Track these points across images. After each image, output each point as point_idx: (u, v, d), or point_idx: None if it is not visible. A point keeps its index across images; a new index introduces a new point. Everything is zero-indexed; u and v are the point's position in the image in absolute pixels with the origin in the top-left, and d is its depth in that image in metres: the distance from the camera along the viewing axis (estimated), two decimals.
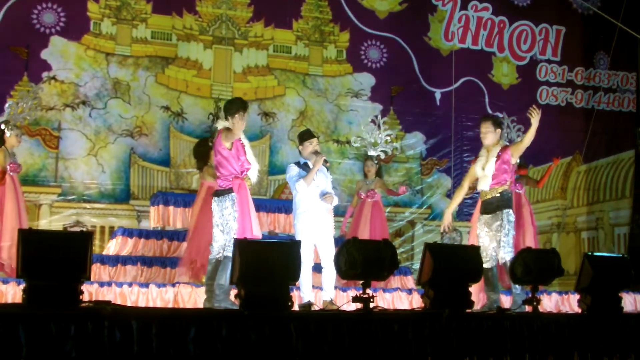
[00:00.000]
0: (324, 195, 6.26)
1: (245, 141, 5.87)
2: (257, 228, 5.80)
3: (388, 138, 8.75)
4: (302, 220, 6.21)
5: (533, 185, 8.79)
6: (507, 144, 6.30)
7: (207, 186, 7.43)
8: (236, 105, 5.79)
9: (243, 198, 5.74)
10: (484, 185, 6.23)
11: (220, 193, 5.76)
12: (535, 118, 6.00)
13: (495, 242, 6.14)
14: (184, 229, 8.30)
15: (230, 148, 5.72)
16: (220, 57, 10.16)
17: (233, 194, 5.71)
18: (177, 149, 9.85)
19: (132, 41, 9.82)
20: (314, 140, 6.35)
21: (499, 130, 6.26)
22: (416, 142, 10.92)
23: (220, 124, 5.83)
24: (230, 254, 5.54)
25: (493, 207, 6.18)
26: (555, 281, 6.34)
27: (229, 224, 5.69)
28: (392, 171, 10.67)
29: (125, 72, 9.74)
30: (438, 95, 11.01)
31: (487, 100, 11.17)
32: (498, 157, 6.16)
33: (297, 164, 6.34)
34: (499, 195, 6.16)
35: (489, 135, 6.25)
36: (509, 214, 6.13)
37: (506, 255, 6.08)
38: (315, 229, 6.20)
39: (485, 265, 6.03)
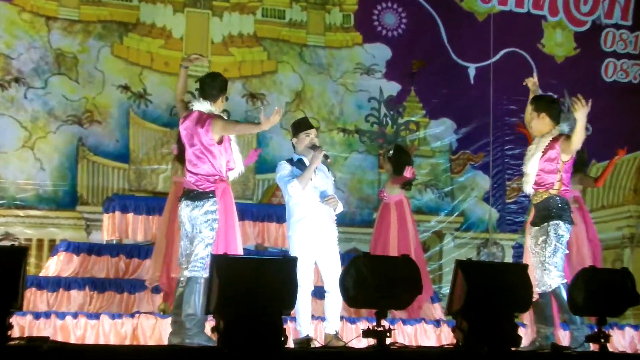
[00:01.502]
0: (325, 197, 6.24)
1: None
2: (240, 245, 5.86)
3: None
4: (299, 230, 6.21)
5: (590, 185, 8.69)
6: (565, 133, 6.19)
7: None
8: (219, 85, 5.90)
9: (228, 206, 5.79)
10: (526, 188, 6.26)
11: (196, 196, 5.75)
12: (579, 112, 5.94)
13: (539, 264, 6.10)
14: (147, 242, 8.32)
15: (220, 142, 5.77)
16: (194, 24, 10.17)
17: (214, 198, 5.74)
18: (139, 139, 9.83)
19: (81, 2, 9.79)
20: (312, 131, 6.40)
21: (544, 115, 6.19)
22: (444, 131, 10.93)
23: (199, 106, 5.86)
24: (198, 274, 5.63)
25: (540, 217, 6.17)
26: (628, 311, 6.34)
27: (202, 233, 5.69)
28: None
29: (72, 41, 9.72)
30: (472, 72, 11.00)
31: (535, 77, 11.08)
32: (545, 151, 6.15)
33: (290, 161, 6.36)
34: (545, 201, 6.13)
35: (532, 122, 6.30)
36: (558, 227, 6.06)
37: (552, 281, 6.01)
38: (315, 241, 6.19)
39: (535, 290, 5.96)
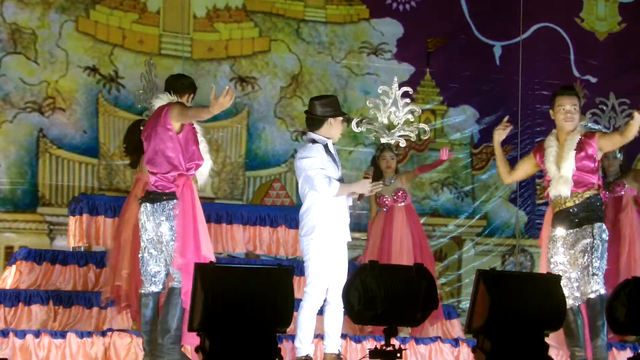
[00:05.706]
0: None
1: (197, 127, 6.03)
2: (207, 248, 5.87)
3: (410, 116, 8.70)
4: (323, 236, 6.19)
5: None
6: (593, 128, 6.33)
7: (144, 182, 7.52)
8: (188, 82, 6.15)
9: (187, 203, 5.81)
10: (563, 190, 6.28)
11: (156, 197, 5.85)
12: (636, 120, 5.98)
13: (579, 270, 6.21)
14: None
15: (179, 132, 5.84)
16: None
17: (176, 200, 5.81)
18: (110, 130, 9.86)
19: None
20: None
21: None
22: (465, 120, 10.98)
23: (158, 102, 5.99)
24: (178, 285, 5.71)
25: (577, 219, 6.27)
26: None
27: (171, 241, 5.79)
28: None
29: (30, 14, 9.72)
30: (498, 51, 11.05)
31: (572, 57, 11.16)
32: (580, 149, 6.25)
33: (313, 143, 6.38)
34: (585, 202, 6.25)
35: (576, 116, 6.35)
36: (602, 230, 6.24)
37: (599, 286, 6.13)
38: (334, 246, 6.24)
39: (570, 302, 6.11)
